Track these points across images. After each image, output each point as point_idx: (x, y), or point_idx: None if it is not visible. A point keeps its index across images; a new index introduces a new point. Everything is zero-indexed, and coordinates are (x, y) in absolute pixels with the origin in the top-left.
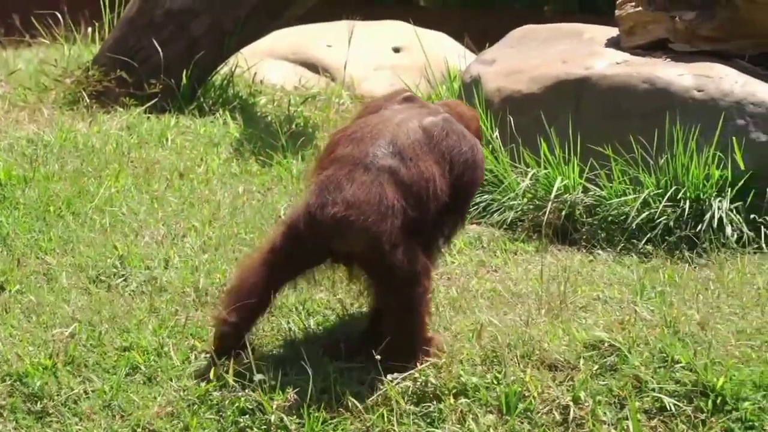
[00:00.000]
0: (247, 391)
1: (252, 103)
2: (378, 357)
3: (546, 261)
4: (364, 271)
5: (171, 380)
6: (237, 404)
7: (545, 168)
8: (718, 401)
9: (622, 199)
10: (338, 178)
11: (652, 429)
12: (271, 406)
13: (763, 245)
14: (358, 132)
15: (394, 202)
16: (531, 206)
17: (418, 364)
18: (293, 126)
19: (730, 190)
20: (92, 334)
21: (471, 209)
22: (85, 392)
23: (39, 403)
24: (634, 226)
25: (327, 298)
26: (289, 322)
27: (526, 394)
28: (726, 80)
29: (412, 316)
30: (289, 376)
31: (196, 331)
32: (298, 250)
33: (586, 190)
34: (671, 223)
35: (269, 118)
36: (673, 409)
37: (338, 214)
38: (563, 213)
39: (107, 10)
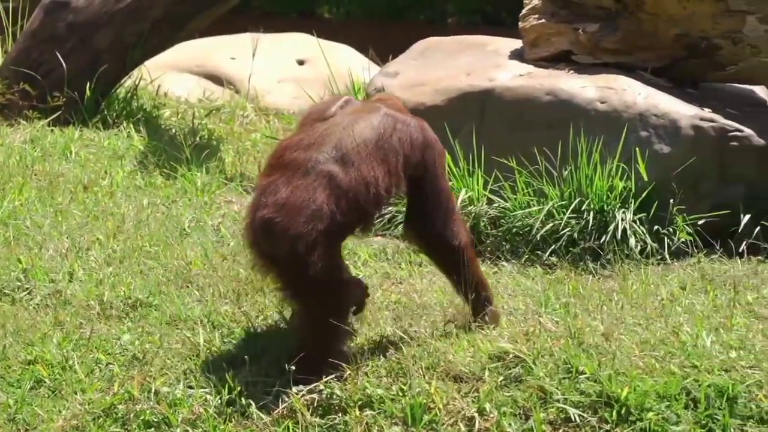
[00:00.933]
0: (152, 403)
1: (156, 116)
2: (291, 368)
3: None
4: (285, 277)
5: (76, 393)
6: (142, 417)
7: (450, 180)
8: (623, 412)
9: (527, 210)
10: (277, 183)
11: None
12: (177, 419)
13: (667, 256)
14: (305, 139)
15: (322, 206)
16: None
17: (323, 377)
18: (197, 138)
19: (633, 201)
20: None
21: (376, 220)
22: None
23: None
24: (538, 237)
25: (232, 310)
26: (195, 335)
27: (432, 406)
28: (629, 92)
29: (321, 325)
30: (195, 388)
31: (101, 344)
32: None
33: (490, 202)
34: (575, 235)
35: (173, 130)
36: (577, 419)
37: (266, 216)
38: (468, 225)
39: (10, 22)
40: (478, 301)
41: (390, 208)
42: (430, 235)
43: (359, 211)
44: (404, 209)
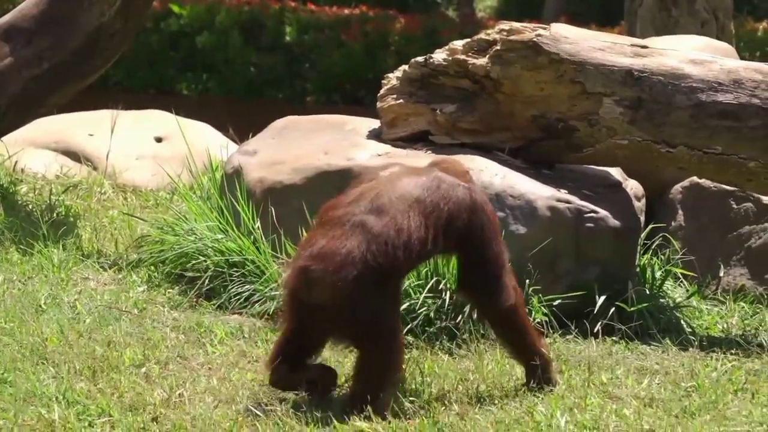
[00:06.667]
0: None
1: (13, 192)
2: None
3: None
4: (331, 323)
5: None
6: None
7: None
8: None
9: None
10: (315, 237)
11: None
12: None
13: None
14: (348, 197)
15: (354, 251)
16: None
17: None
18: (54, 215)
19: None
20: None
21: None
22: None
23: None
24: None
25: (87, 387)
26: (50, 412)
27: None
28: (486, 172)
29: (370, 368)
30: None
31: None
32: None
33: None
34: (432, 314)
35: (30, 206)
36: None
37: (301, 265)
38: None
39: None
40: (530, 367)
41: (246, 287)
42: (476, 296)
43: (388, 255)
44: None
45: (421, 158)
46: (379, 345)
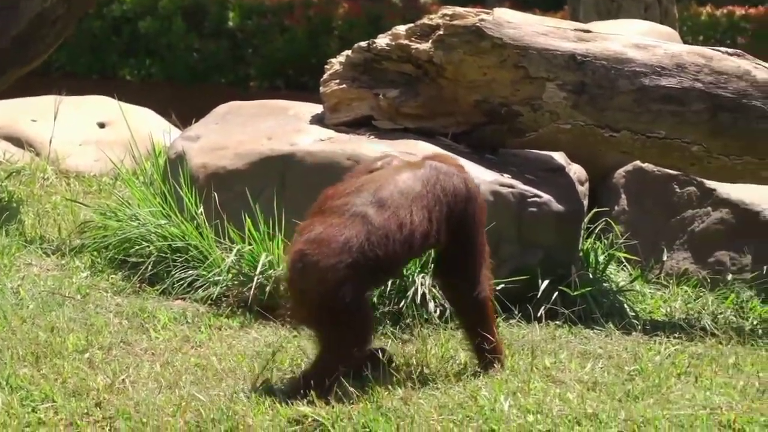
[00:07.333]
0: None
1: None
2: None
3: (250, 336)
4: (312, 308)
5: None
6: None
7: (250, 244)
8: None
9: None
10: (314, 224)
11: None
12: None
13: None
14: (347, 188)
15: (351, 240)
16: (236, 282)
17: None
18: None
19: (432, 266)
20: None
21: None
22: None
23: None
24: None
25: (31, 373)
26: None
27: None
28: None
29: (331, 352)
30: None
31: None
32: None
33: None
34: (375, 299)
35: None
36: None
37: (298, 249)
38: (268, 288)
39: None
40: (483, 353)
41: (190, 272)
42: (456, 283)
43: (387, 248)
44: (204, 273)
45: (363, 143)
46: (347, 334)
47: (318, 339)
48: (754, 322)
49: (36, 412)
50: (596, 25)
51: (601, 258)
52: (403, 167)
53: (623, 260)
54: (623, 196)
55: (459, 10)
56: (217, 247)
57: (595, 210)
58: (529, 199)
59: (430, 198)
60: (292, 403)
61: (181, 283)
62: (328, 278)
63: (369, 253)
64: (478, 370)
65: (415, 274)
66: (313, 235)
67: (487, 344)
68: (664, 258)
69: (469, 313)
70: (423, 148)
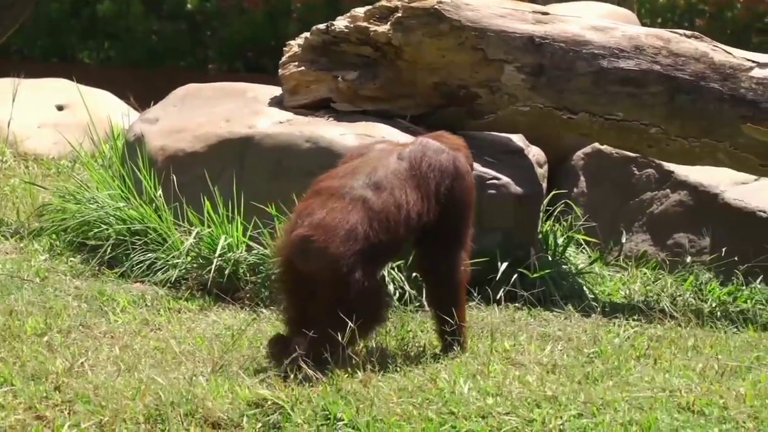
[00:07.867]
0: None
1: None
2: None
3: (209, 319)
4: (321, 294)
5: None
6: None
7: (209, 227)
8: None
9: None
10: (312, 206)
11: None
12: None
13: (425, 303)
14: (341, 171)
15: (357, 227)
16: (195, 265)
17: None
18: None
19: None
20: None
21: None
22: None
23: None
24: None
25: None
26: None
27: None
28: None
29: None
30: None
31: None
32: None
33: (249, 249)
34: None
35: None
36: None
37: (302, 234)
38: (227, 271)
39: None
40: (446, 336)
41: (149, 255)
42: (432, 261)
43: (390, 231)
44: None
45: (322, 125)
46: (360, 315)
47: (321, 313)
48: (713, 305)
49: None
50: (555, 8)
51: (560, 240)
52: (394, 149)
53: (582, 242)
54: (582, 178)
55: None
56: (176, 229)
57: (554, 192)
58: (487, 182)
59: (419, 176)
60: (251, 386)
61: (140, 266)
62: (340, 266)
63: (373, 238)
64: (438, 352)
65: None
66: (316, 219)
67: (454, 327)
68: (623, 240)
69: (442, 297)
70: (381, 130)
